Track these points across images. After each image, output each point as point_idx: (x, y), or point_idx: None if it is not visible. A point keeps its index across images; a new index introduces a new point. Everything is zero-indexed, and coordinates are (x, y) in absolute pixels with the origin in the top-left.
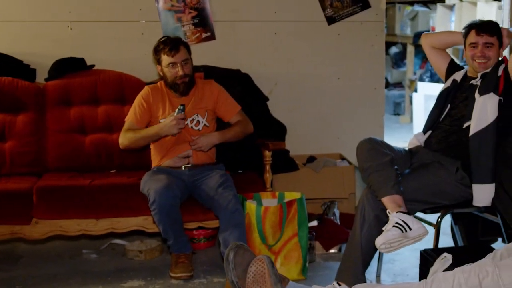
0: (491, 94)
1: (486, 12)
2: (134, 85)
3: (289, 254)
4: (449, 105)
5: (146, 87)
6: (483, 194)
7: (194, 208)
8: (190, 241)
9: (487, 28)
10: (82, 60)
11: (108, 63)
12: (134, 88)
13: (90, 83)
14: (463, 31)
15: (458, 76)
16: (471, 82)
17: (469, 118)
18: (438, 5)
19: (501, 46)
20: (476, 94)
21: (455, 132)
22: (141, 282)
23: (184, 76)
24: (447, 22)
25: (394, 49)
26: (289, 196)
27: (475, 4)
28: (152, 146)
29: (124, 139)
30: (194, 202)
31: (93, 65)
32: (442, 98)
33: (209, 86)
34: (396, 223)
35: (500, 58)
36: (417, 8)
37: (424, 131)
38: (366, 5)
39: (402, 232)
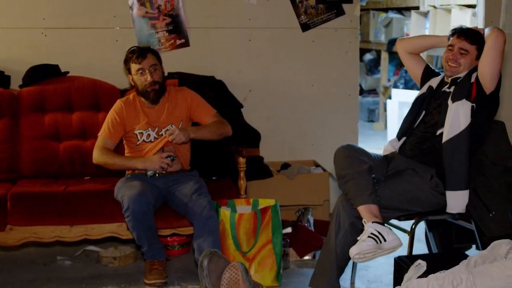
0: (464, 100)
1: (461, 19)
2: (109, 92)
3: (263, 261)
4: (423, 112)
5: (118, 101)
6: (456, 200)
7: (168, 214)
8: (164, 247)
9: (468, 34)
10: (56, 67)
11: (83, 69)
12: (108, 95)
13: (64, 90)
14: (450, 33)
15: (434, 82)
16: (444, 89)
17: (442, 125)
18: (412, 12)
19: (479, 57)
20: (449, 101)
21: (429, 139)
22: None
23: (154, 83)
24: (421, 29)
25: (368, 56)
26: (263, 203)
27: (449, 11)
28: (127, 153)
29: (99, 158)
30: (168, 209)
31: (68, 72)
32: (417, 104)
33: (182, 94)
34: (372, 233)
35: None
36: (391, 15)
37: (398, 137)
38: (340, 12)
39: (377, 243)
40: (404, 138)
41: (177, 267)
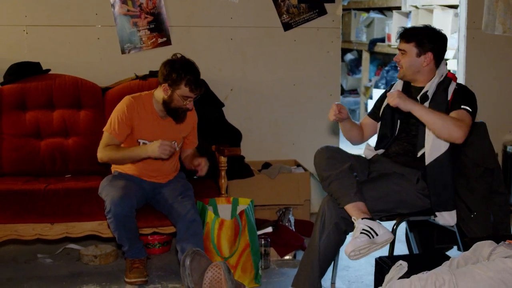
0: None
1: (443, 19)
2: (90, 89)
3: (244, 265)
4: (399, 121)
5: (128, 98)
6: (445, 219)
7: (149, 214)
8: (145, 246)
9: (402, 34)
10: (38, 65)
11: (64, 67)
12: (90, 93)
13: (46, 88)
14: None
15: (398, 87)
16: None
17: (422, 145)
18: (394, 12)
19: (422, 53)
20: None
21: (411, 158)
22: (96, 287)
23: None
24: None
25: (349, 56)
26: (243, 202)
27: (431, 11)
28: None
29: (103, 155)
30: (150, 208)
31: (49, 70)
32: (388, 115)
33: (191, 114)
34: (363, 229)
35: (443, 75)
36: (373, 15)
37: (376, 149)
38: (322, 12)
39: (370, 238)
40: (383, 148)
41: (158, 266)
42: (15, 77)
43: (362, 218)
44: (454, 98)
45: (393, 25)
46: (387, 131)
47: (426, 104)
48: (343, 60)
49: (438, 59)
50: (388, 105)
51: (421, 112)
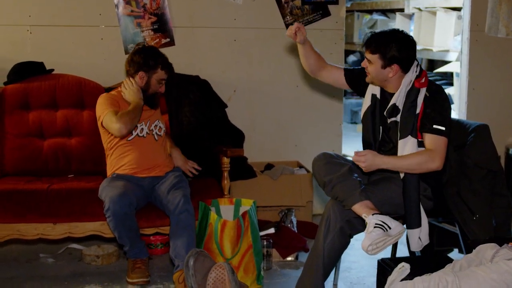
0: (409, 137)
1: (446, 22)
2: (93, 90)
3: (247, 266)
4: (381, 128)
5: (103, 94)
6: (413, 238)
7: (151, 214)
8: (147, 246)
9: (369, 44)
10: (41, 64)
11: (68, 67)
12: (93, 93)
13: (49, 87)
14: None
15: (376, 90)
16: (391, 119)
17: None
18: (397, 14)
19: (387, 65)
20: (398, 137)
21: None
22: (97, 287)
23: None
24: (406, 31)
25: (352, 58)
26: (245, 203)
27: (434, 13)
28: (110, 153)
29: (122, 121)
30: (152, 208)
31: (53, 69)
32: (369, 120)
33: None
34: (376, 224)
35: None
36: (376, 16)
37: None
38: (326, 13)
39: (384, 231)
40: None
41: (160, 266)
42: (19, 77)
43: (373, 214)
44: (424, 111)
45: (396, 27)
46: (370, 139)
47: (398, 117)
48: (345, 61)
49: (405, 67)
50: (368, 108)
51: (392, 165)
